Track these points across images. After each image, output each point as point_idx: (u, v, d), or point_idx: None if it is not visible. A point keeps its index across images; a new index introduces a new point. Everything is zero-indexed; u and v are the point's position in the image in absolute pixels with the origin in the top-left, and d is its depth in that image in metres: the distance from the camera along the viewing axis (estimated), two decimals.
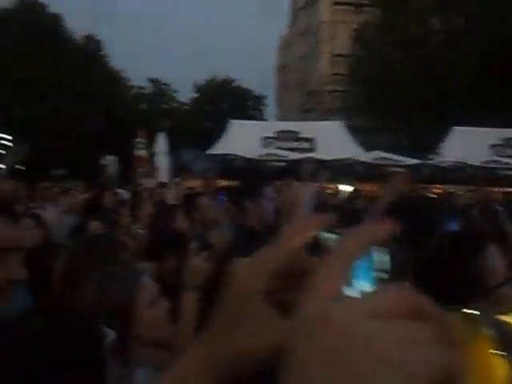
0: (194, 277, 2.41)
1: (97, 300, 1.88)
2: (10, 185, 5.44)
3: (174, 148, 20.02)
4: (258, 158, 20.45)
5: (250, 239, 3.47)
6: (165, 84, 62.78)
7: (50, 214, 5.43)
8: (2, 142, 36.49)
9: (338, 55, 59.22)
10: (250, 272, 0.66)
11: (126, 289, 1.93)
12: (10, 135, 36.48)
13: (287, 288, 0.66)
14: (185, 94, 65.12)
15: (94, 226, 3.86)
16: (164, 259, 3.14)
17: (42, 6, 48.89)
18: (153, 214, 3.98)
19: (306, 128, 24.39)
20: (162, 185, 9.36)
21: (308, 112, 64.79)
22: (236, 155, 20.25)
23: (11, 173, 4.62)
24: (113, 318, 1.83)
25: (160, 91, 62.27)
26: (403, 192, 3.64)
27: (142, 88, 61.27)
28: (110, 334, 1.24)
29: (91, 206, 6.61)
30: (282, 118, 73.83)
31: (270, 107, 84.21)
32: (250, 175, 6.15)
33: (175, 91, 63.30)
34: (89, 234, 3.70)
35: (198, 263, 2.44)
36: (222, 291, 0.67)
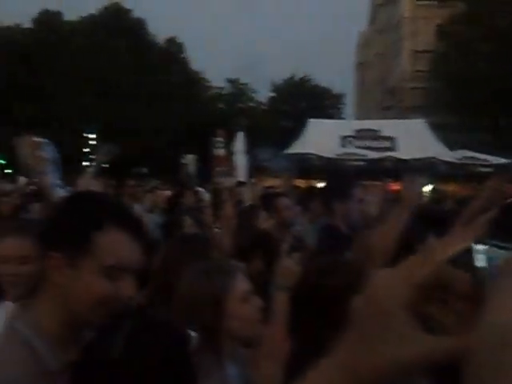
0: (285, 278, 2.38)
1: (192, 293, 1.90)
2: (100, 183, 5.61)
3: (252, 147, 20.12)
4: (337, 157, 20.21)
5: (337, 240, 3.40)
6: (243, 84, 63.41)
7: (136, 211, 5.55)
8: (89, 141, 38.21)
9: (420, 51, 57.79)
10: (393, 285, 0.63)
11: (221, 283, 1.94)
12: (95, 135, 38.13)
13: (428, 301, 0.66)
14: (263, 93, 65.55)
15: (187, 222, 3.93)
16: (251, 260, 3.12)
17: (127, 11, 50.64)
18: (237, 214, 3.96)
19: (386, 126, 23.90)
20: (241, 184, 9.38)
21: (387, 110, 63.63)
22: (314, 154, 20.11)
23: (99, 171, 4.78)
24: (206, 311, 1.84)
25: (238, 91, 62.95)
26: (504, 194, 3.44)
27: (220, 88, 62.16)
28: (194, 338, 1.23)
29: (174, 204, 6.72)
30: (360, 117, 72.98)
31: (348, 106, 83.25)
32: (339, 176, 6.03)
33: (253, 91, 63.82)
34: (181, 232, 3.75)
35: (289, 264, 2.41)
36: (357, 303, 0.64)
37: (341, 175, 6.78)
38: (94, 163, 5.62)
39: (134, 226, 1.40)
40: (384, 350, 0.62)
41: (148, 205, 6.72)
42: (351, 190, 3.61)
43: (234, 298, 1.91)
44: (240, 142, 18.85)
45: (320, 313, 2.11)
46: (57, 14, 52.75)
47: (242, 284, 1.96)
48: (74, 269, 1.32)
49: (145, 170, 30.14)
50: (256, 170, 17.12)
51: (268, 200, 5.02)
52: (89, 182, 5.53)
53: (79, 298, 1.30)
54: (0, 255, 2.32)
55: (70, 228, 1.35)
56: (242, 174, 15.84)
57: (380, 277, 0.64)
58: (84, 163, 37.67)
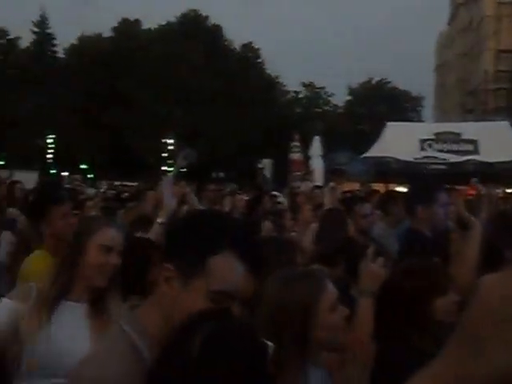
0: (369, 282, 2.36)
1: (280, 300, 1.89)
2: (181, 187, 5.76)
3: (329, 151, 20.00)
4: (416, 160, 19.73)
5: (421, 245, 3.32)
6: (319, 88, 63.17)
7: None
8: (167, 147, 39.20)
9: (503, 51, 55.61)
10: (507, 294, 0.60)
11: (311, 289, 1.92)
12: (173, 140, 39.07)
13: None
14: (339, 97, 65.00)
15: (267, 226, 3.96)
16: (334, 265, 3.10)
17: (204, 18, 51.69)
18: (320, 218, 3.94)
19: (468, 129, 23.08)
20: (318, 188, 9.35)
21: (469, 112, 61.58)
22: (392, 158, 19.71)
23: (178, 176, 4.90)
24: (295, 320, 1.85)
25: (314, 95, 62.79)
26: None
27: (297, 92, 62.22)
28: (271, 346, 1.22)
29: (252, 208, 6.78)
30: (439, 120, 70.92)
31: (427, 108, 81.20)
32: (422, 179, 5.89)
33: (329, 95, 63.45)
34: (261, 235, 3.77)
35: (373, 269, 2.39)
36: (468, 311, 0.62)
37: (424, 179, 6.61)
38: (173, 168, 5.78)
39: (251, 255, 1.40)
40: (497, 357, 0.60)
41: (228, 208, 6.81)
42: (435, 194, 3.52)
43: (324, 307, 1.90)
44: (316, 146, 18.79)
45: (406, 314, 2.13)
46: (136, 23, 54.60)
47: (331, 293, 1.94)
48: (183, 285, 1.35)
49: (222, 174, 30.64)
50: (334, 173, 16.99)
51: (349, 205, 4.98)
52: (169, 186, 5.68)
53: (182, 313, 1.31)
54: (104, 244, 2.43)
55: (188, 246, 1.37)
56: (318, 178, 15.76)
57: (492, 283, 0.62)
58: (162, 168, 38.81)
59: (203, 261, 1.34)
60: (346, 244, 3.30)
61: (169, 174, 5.88)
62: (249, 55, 53.19)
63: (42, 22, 55.16)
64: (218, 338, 1.15)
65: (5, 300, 2.36)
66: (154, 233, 3.48)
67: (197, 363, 1.10)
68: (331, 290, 1.95)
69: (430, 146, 22.28)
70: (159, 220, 3.55)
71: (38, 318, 2.31)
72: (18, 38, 55.20)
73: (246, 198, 7.73)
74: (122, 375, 1.31)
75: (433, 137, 22.81)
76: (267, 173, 22.30)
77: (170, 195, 3.77)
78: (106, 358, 1.36)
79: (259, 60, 54.21)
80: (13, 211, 6.39)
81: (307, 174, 17.48)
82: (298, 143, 20.46)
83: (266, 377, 1.16)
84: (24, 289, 2.43)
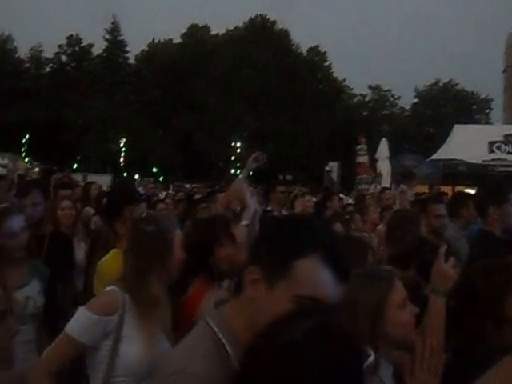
0: (441, 282, 2.40)
1: (353, 298, 1.92)
2: (250, 189, 5.91)
3: (396, 154, 19.78)
4: (484, 163, 19.24)
5: (493, 245, 3.35)
6: (386, 90, 62.27)
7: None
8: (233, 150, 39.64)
9: None
10: None
11: (380, 287, 2.00)
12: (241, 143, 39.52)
13: None
14: (406, 99, 63.75)
15: (337, 228, 4.03)
16: (407, 265, 3.13)
17: (271, 23, 52.02)
18: (391, 220, 3.98)
19: None
20: (385, 190, 9.34)
21: None
22: (460, 160, 19.30)
23: (248, 178, 5.01)
24: (365, 314, 1.94)
25: (381, 97, 61.93)
26: None
27: (363, 95, 61.56)
28: (372, 355, 1.24)
29: (321, 209, 6.87)
30: (509, 121, 68.29)
31: (496, 110, 78.31)
32: (493, 180, 5.84)
33: (396, 97, 62.43)
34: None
35: (446, 269, 2.43)
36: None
37: (495, 180, 6.52)
38: (243, 170, 5.91)
39: (338, 260, 1.36)
40: None
41: (298, 210, 6.93)
42: (507, 195, 3.53)
43: (393, 304, 1.97)
44: (383, 149, 18.63)
45: (483, 311, 2.17)
46: (204, 28, 55.53)
47: (400, 291, 2.01)
48: (268, 288, 1.35)
49: (289, 176, 30.76)
50: (401, 176, 16.80)
51: (424, 205, 4.99)
52: (240, 189, 5.84)
53: (264, 315, 1.31)
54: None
55: (274, 249, 1.37)
56: (386, 180, 15.65)
57: None
58: (231, 170, 39.31)
59: (289, 264, 1.33)
60: (418, 245, 3.32)
61: (240, 176, 5.99)
62: (316, 59, 53.12)
63: (114, 30, 57.03)
64: (323, 330, 1.16)
65: (82, 309, 2.41)
66: (240, 235, 3.61)
67: (299, 351, 1.11)
68: (400, 288, 2.01)
69: (498, 148, 21.65)
70: (244, 222, 3.57)
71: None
72: (91, 46, 57.32)
73: (315, 199, 7.82)
74: (206, 370, 1.32)
75: (502, 139, 22.16)
76: (334, 175, 22.29)
77: (249, 197, 3.84)
78: (191, 353, 1.38)
79: (326, 63, 54.03)
80: (89, 210, 6.71)
81: (374, 176, 17.36)
82: (364, 146, 20.32)
83: (361, 380, 1.17)
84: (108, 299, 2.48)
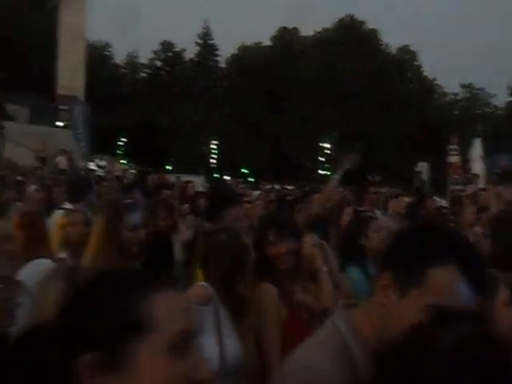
0: None
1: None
2: (340, 193, 6.00)
3: (490, 153, 19.17)
4: None
5: None
6: (478, 89, 59.91)
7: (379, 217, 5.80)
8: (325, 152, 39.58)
9: None
10: None
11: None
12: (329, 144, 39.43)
13: None
14: (500, 97, 60.98)
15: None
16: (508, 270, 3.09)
17: (360, 23, 51.55)
18: (493, 221, 3.92)
19: None
20: (482, 190, 9.12)
21: None
22: None
23: (342, 179, 5.09)
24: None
25: (473, 96, 59.68)
26: None
27: (455, 94, 59.56)
28: None
29: (414, 210, 6.84)
30: None
31: None
32: None
33: (491, 95, 59.88)
34: None
35: None
36: None
37: None
38: (338, 171, 5.99)
39: (476, 272, 1.32)
40: None
41: (390, 211, 6.93)
42: None
43: (498, 303, 1.96)
44: (477, 149, 18.15)
45: None
46: (293, 31, 55.79)
47: (503, 291, 2.00)
48: (400, 295, 1.33)
49: (378, 177, 30.40)
50: (497, 176, 16.31)
51: None
52: (333, 190, 5.94)
53: (394, 322, 1.30)
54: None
55: (409, 256, 1.35)
56: (481, 180, 15.25)
57: None
58: (319, 172, 39.31)
59: (424, 271, 1.30)
60: None
61: (333, 177, 6.09)
62: (406, 58, 52.08)
63: (205, 35, 58.46)
64: (477, 336, 1.10)
65: None
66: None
67: (459, 356, 1.05)
68: (503, 288, 2.00)
69: None
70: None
71: None
72: (183, 50, 59.10)
73: (407, 200, 7.78)
74: (332, 370, 1.32)
75: None
76: (424, 176, 21.84)
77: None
78: (318, 351, 1.38)
79: (416, 63, 52.84)
80: (185, 207, 6.97)
81: (466, 176, 16.94)
82: (456, 146, 19.80)
83: None
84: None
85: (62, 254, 3.56)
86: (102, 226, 3.20)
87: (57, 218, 3.92)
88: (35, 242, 3.42)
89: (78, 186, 5.41)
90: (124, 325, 1.01)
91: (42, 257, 3.26)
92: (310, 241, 3.47)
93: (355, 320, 1.42)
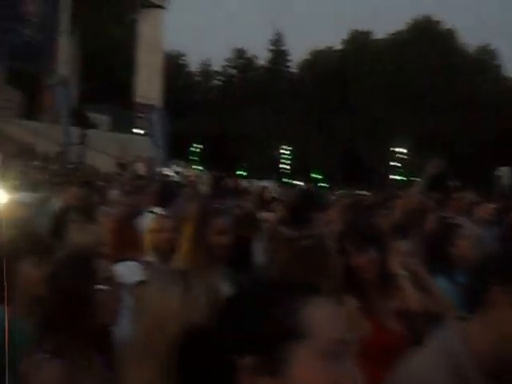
0: None
1: None
2: (417, 199, 5.84)
3: None
4: None
5: None
6: None
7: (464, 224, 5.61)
8: (400, 155, 38.85)
9: None
10: None
11: None
12: (403, 149, 38.62)
13: None
14: None
15: None
16: None
17: (436, 23, 50.28)
18: None
19: None
20: None
21: None
22: None
23: (427, 185, 4.96)
24: None
25: None
26: None
27: None
28: None
29: (501, 218, 6.58)
30: None
31: None
32: None
33: None
34: None
35: None
36: None
37: None
38: (423, 178, 5.83)
39: None
40: None
41: (476, 218, 6.70)
42: None
43: None
44: None
45: None
46: (366, 34, 55.09)
47: None
48: None
49: (457, 182, 29.55)
50: None
51: None
52: (416, 196, 5.79)
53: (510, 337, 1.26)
54: None
55: None
56: None
57: None
58: (391, 176, 38.56)
59: None
60: None
61: (418, 183, 5.92)
62: (485, 58, 50.34)
63: (277, 40, 58.81)
64: None
65: None
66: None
67: None
68: None
69: None
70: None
71: None
72: (255, 57, 59.76)
73: (493, 206, 7.50)
74: None
75: None
76: (506, 180, 21.04)
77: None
78: (431, 368, 1.34)
79: (496, 62, 50.95)
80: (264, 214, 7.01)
81: None
82: None
83: None
84: None
85: (150, 258, 3.63)
86: (190, 231, 3.24)
87: (148, 221, 4.02)
88: (125, 245, 3.52)
89: (167, 191, 5.57)
90: (283, 331, 1.04)
91: (130, 259, 3.36)
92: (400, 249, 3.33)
93: (470, 335, 1.35)
